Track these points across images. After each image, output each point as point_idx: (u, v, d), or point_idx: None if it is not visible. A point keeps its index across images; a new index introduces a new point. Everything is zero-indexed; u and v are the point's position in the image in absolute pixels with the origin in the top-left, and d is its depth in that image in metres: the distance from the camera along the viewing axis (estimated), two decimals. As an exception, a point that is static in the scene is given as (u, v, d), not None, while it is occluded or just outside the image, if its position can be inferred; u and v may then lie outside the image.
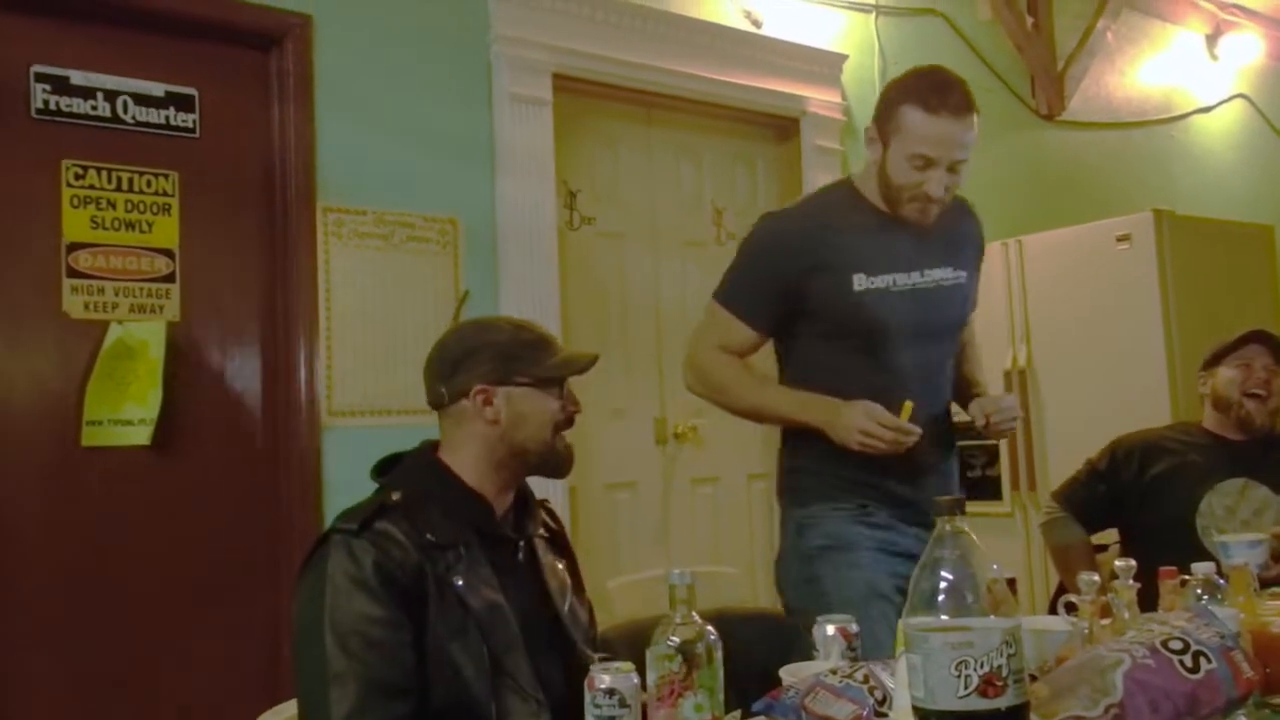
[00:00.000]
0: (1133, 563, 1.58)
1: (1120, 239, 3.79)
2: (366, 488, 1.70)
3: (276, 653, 2.76)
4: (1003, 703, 0.94)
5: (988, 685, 0.93)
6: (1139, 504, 2.64)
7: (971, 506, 0.98)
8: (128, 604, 2.64)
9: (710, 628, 1.19)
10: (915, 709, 0.98)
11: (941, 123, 1.98)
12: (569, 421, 1.66)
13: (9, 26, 2.59)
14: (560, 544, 1.76)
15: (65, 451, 2.59)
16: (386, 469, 1.66)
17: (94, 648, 2.59)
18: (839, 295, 2.03)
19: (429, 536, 1.51)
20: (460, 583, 1.49)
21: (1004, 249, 4.02)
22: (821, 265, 2.05)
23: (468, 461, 1.62)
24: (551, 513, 1.79)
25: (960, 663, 0.94)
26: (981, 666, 0.94)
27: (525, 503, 1.69)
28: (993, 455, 3.98)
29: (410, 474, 1.62)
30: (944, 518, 1.01)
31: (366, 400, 2.95)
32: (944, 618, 0.97)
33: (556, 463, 1.67)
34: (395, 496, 1.55)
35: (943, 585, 0.98)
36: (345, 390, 2.92)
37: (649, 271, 3.72)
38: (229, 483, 2.81)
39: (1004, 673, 0.94)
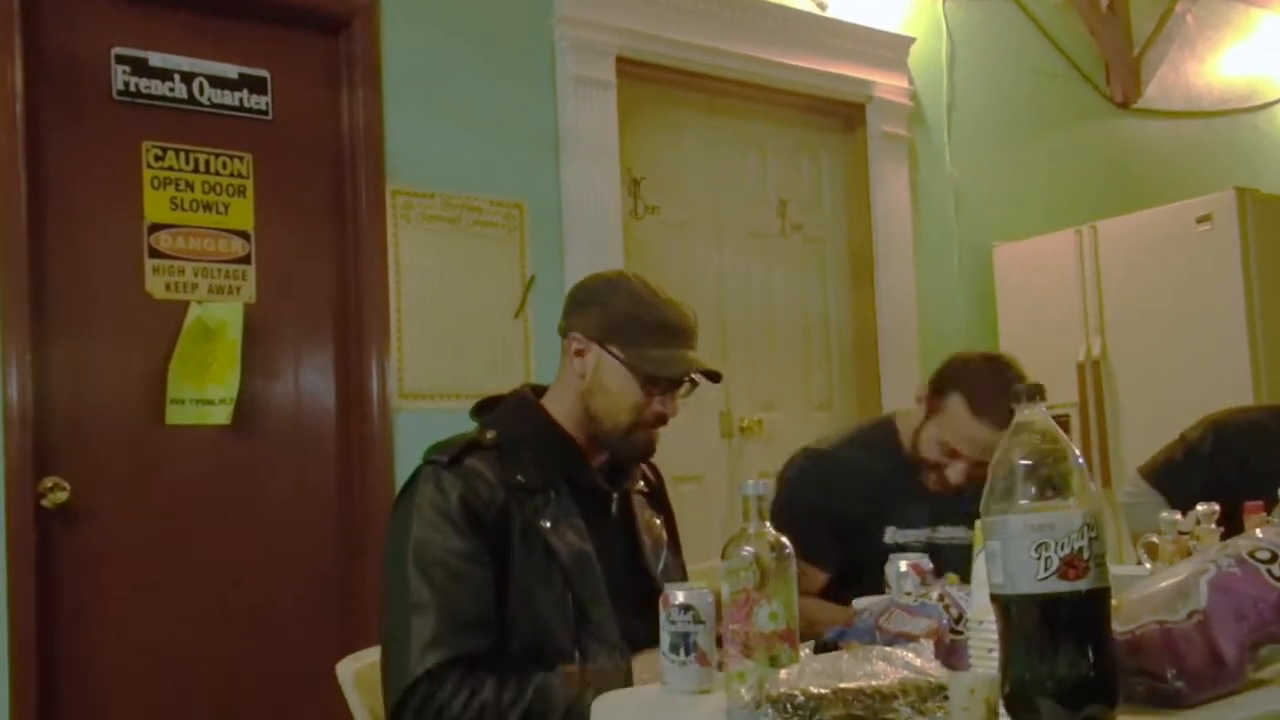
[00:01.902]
0: (1215, 506, 1.52)
1: (1200, 220, 3.67)
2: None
3: (350, 624, 2.80)
4: (1084, 585, 0.91)
5: (1068, 567, 0.91)
6: (1239, 493, 2.48)
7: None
8: (208, 577, 2.70)
9: (784, 539, 1.18)
10: (994, 597, 0.96)
11: (982, 428, 1.94)
12: (655, 420, 1.59)
13: (91, 9, 2.68)
14: (659, 499, 1.73)
15: (151, 429, 2.65)
16: (484, 409, 1.64)
17: (175, 617, 2.65)
18: (871, 545, 2.05)
19: (519, 478, 1.50)
20: (547, 525, 1.48)
21: (1077, 236, 3.92)
22: (856, 514, 2.08)
23: (563, 402, 1.60)
24: (652, 466, 1.75)
25: (1040, 545, 0.91)
26: (1062, 549, 0.91)
27: None
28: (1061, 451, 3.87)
29: (507, 415, 1.60)
30: (1024, 404, 0.98)
31: (436, 383, 2.98)
32: (1023, 502, 0.94)
33: (624, 452, 1.62)
34: (489, 436, 1.54)
35: (1021, 470, 0.95)
36: (415, 373, 2.95)
37: (714, 263, 3.70)
38: (304, 462, 2.86)
39: (1085, 555, 0.91)
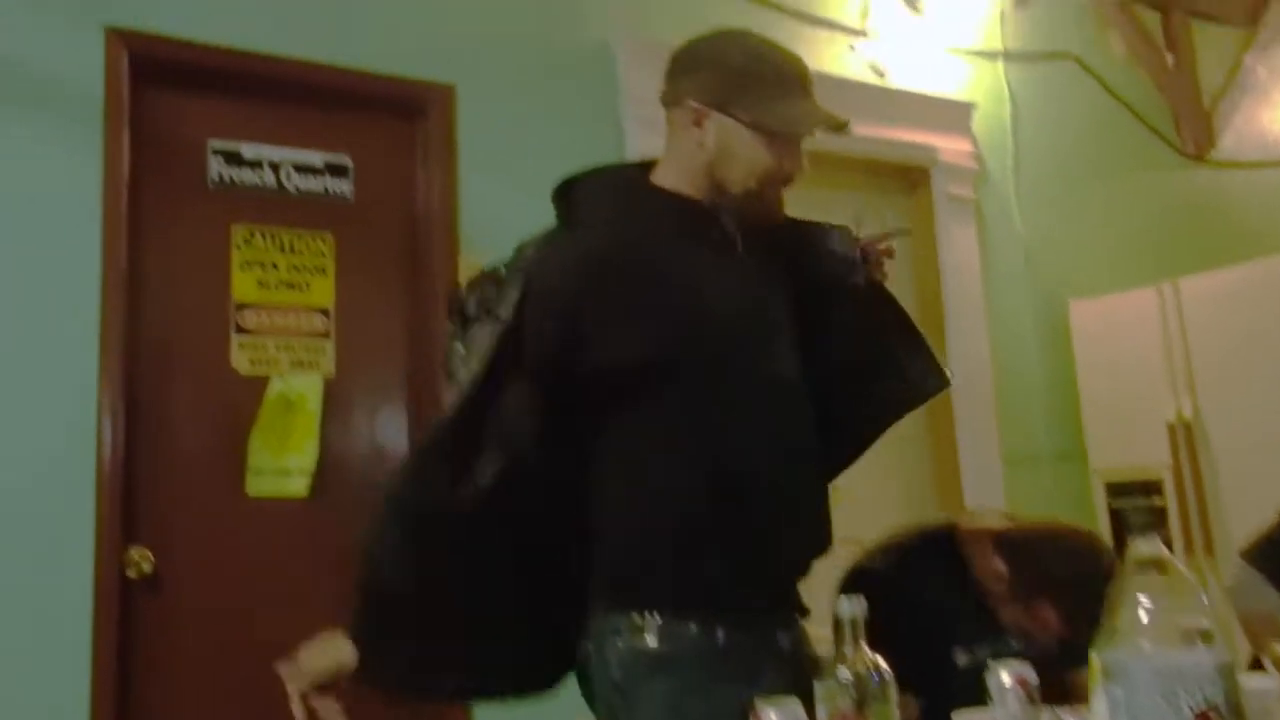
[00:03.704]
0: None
1: (1291, 275, 3.58)
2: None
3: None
4: (1218, 737, 0.88)
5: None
6: None
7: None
8: (285, 650, 2.71)
9: (881, 660, 1.16)
10: (1120, 745, 0.93)
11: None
12: (786, 180, 1.47)
13: (191, 106, 2.81)
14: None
15: (233, 499, 2.70)
16: (568, 196, 1.60)
17: (252, 688, 2.65)
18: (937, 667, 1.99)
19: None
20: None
21: (1158, 295, 3.81)
22: (919, 638, 1.93)
23: (681, 176, 1.49)
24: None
25: (1169, 694, 0.88)
26: (1195, 698, 0.88)
27: None
28: (1159, 517, 3.73)
29: (606, 205, 1.55)
30: (1138, 536, 0.95)
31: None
32: (1144, 644, 0.92)
33: (756, 214, 1.50)
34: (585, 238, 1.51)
35: (1142, 614, 0.93)
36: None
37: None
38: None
39: (1222, 710, 0.87)
